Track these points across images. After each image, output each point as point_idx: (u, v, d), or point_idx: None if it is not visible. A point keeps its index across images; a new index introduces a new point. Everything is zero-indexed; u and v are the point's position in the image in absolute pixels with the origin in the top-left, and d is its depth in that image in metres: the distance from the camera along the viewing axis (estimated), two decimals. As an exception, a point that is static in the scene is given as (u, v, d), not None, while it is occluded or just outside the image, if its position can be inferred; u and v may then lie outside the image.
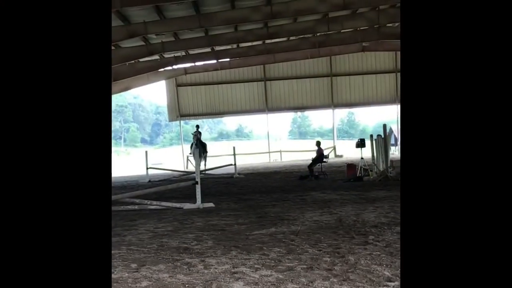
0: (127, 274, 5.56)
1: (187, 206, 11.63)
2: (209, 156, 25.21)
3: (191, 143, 26.18)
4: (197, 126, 27.79)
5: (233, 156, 23.33)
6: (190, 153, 26.09)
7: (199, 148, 24.49)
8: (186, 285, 5.02)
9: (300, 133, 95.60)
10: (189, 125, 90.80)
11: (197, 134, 26.81)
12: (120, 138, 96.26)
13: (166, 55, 32.30)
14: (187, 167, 32.33)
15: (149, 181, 22.33)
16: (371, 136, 18.34)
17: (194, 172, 13.59)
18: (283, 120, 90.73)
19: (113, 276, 5.51)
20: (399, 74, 25.96)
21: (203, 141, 27.39)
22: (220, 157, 33.60)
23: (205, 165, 26.58)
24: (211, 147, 22.22)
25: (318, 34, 26.16)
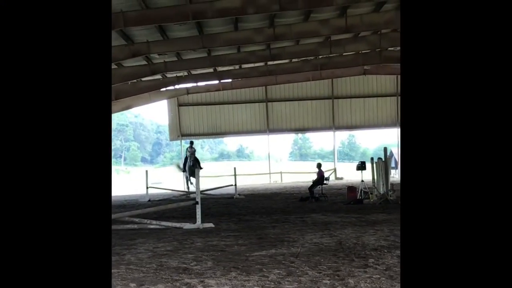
0: (126, 294, 5.54)
1: (187, 226, 11.61)
2: (209, 176, 24.74)
3: (184, 158, 25.82)
4: (191, 142, 27.58)
5: (233, 177, 23.30)
6: (184, 171, 25.69)
7: (195, 165, 24.24)
8: (185, 306, 5.00)
9: (301, 154, 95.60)
10: (188, 143, 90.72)
11: (192, 151, 26.35)
12: (121, 157, 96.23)
13: (169, 75, 32.40)
14: (188, 188, 32.28)
15: (149, 200, 22.29)
16: (372, 159, 18.34)
17: (194, 192, 13.57)
18: (284, 141, 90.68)
19: (112, 295, 5.49)
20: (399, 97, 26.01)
21: (197, 157, 26.76)
22: (220, 178, 33.56)
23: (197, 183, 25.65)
24: (212, 168, 22.15)
25: (320, 56, 26.28)
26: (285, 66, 28.99)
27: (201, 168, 22.88)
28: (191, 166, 22.58)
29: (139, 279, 6.30)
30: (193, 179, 22.04)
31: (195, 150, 26.35)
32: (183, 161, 26.06)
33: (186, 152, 26.87)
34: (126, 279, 6.32)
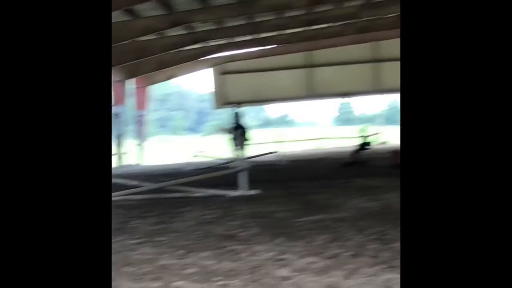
0: (174, 261, 5.63)
1: (232, 193, 11.69)
2: (253, 144, 24.03)
3: (231, 127, 23.21)
4: (237, 109, 26.69)
5: (277, 144, 23.30)
6: (233, 138, 23.03)
7: (241, 133, 22.63)
8: (232, 272, 5.06)
9: (345, 119, 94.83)
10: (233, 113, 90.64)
11: (238, 118, 24.25)
12: (165, 126, 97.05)
13: (211, 43, 32.37)
14: (231, 155, 32.42)
15: (194, 168, 22.48)
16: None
17: (238, 160, 13.64)
18: (327, 107, 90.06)
19: (160, 262, 5.59)
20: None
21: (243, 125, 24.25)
22: (264, 145, 33.60)
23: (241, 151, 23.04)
24: (255, 135, 22.00)
25: (362, 19, 25.88)
26: (326, 31, 28.68)
27: (246, 139, 22.36)
28: (237, 134, 21.96)
29: (186, 246, 6.40)
30: (238, 147, 21.71)
31: (241, 117, 24.23)
32: (229, 130, 23.41)
33: (233, 119, 24.71)
34: (174, 246, 6.42)
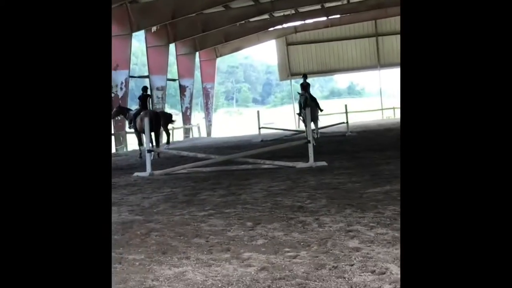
0: (242, 232, 5.67)
1: (300, 165, 11.68)
2: (321, 115, 23.45)
3: (301, 99, 20.51)
4: (304, 76, 22.47)
5: (345, 114, 23.14)
6: (301, 114, 20.94)
7: (310, 104, 19.80)
8: (301, 243, 5.06)
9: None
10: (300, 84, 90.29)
11: (306, 87, 21.41)
12: (232, 98, 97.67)
13: (276, 14, 32.26)
14: (299, 126, 32.41)
15: (262, 140, 22.58)
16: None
17: (306, 131, 13.59)
18: (396, 76, 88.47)
19: (229, 234, 5.64)
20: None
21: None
22: (332, 115, 33.41)
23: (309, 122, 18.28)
24: (323, 106, 21.65)
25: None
26: (394, -2, 28.08)
27: (320, 109, 20.91)
28: (306, 104, 19.46)
29: (255, 218, 6.43)
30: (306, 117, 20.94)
31: (308, 85, 21.52)
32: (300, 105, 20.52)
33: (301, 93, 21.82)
34: (243, 218, 6.47)
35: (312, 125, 17.50)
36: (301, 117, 22.68)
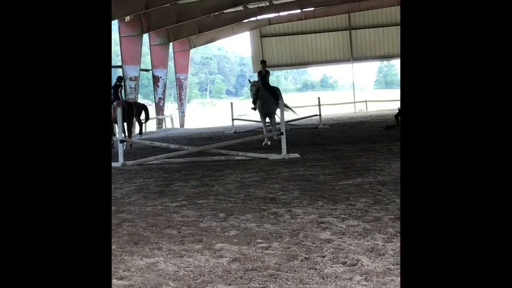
0: (215, 223, 5.67)
1: (273, 156, 11.70)
2: (294, 107, 23.11)
3: (252, 90, 16.10)
4: (263, 62, 18.27)
5: (318, 107, 23.22)
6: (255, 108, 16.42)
7: (263, 96, 15.87)
8: (274, 235, 5.08)
9: (386, 82, 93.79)
10: (274, 76, 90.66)
11: (265, 76, 17.12)
12: (206, 90, 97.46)
13: (250, 6, 32.21)
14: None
15: (235, 132, 22.59)
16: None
17: (279, 123, 13.61)
18: (368, 70, 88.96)
19: (202, 225, 5.64)
20: None
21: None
22: (304, 108, 33.51)
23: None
24: (296, 98, 21.67)
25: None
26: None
27: (279, 103, 15.08)
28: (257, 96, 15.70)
29: (227, 209, 6.44)
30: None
31: (267, 73, 17.51)
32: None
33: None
34: (215, 209, 6.47)
35: (268, 121, 16.35)
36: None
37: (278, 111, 15.29)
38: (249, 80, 16.94)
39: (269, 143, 15.03)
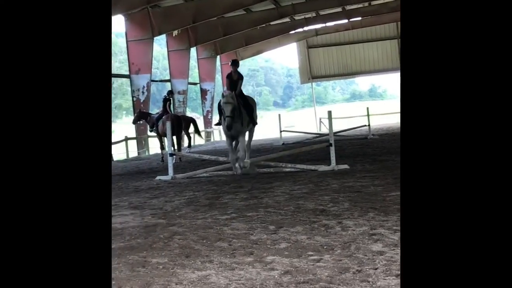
0: (265, 236, 5.66)
1: (322, 168, 11.64)
2: (342, 118, 22.93)
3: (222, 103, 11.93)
4: (234, 63, 13.07)
5: (366, 117, 23.05)
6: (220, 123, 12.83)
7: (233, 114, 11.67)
8: (325, 247, 5.04)
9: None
10: (321, 87, 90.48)
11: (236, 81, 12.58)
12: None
13: (297, 17, 32.23)
14: (320, 129, 32.31)
15: (283, 143, 22.59)
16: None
17: (327, 134, 13.53)
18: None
19: (252, 237, 5.63)
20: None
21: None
22: (353, 118, 33.29)
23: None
24: (344, 109, 21.62)
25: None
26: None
27: (253, 123, 12.63)
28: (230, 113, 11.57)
29: (277, 221, 6.42)
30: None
31: (240, 77, 12.63)
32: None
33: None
34: (265, 221, 6.45)
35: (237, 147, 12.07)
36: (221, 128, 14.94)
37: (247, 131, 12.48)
38: (223, 94, 11.96)
39: (239, 171, 11.69)
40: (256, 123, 12.84)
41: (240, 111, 11.66)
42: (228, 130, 11.49)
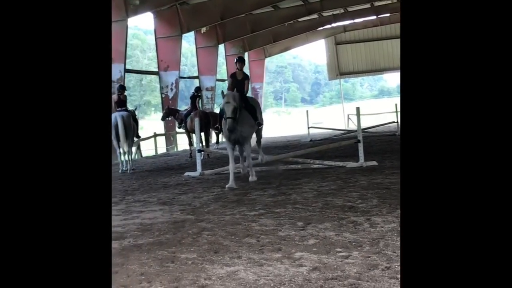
0: (294, 232, 5.66)
1: (350, 164, 11.60)
2: (369, 114, 22.86)
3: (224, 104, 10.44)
4: (239, 60, 11.44)
5: (395, 113, 22.89)
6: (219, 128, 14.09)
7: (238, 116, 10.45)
8: (353, 243, 5.03)
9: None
10: (349, 83, 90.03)
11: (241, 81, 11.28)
12: (281, 98, 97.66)
13: (325, 14, 32.13)
14: (348, 126, 32.19)
15: (311, 140, 22.55)
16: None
17: (355, 131, 13.48)
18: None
19: (280, 234, 5.64)
20: None
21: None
22: (381, 115, 33.10)
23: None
24: (372, 105, 21.52)
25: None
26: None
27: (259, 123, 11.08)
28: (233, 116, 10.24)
29: (305, 217, 6.42)
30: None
31: (245, 77, 11.30)
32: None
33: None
34: (294, 218, 6.46)
35: (241, 153, 11.29)
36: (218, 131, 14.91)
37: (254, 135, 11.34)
38: (222, 92, 10.72)
39: (234, 185, 9.88)
40: (262, 124, 11.44)
41: (243, 113, 10.31)
42: (230, 132, 10.16)
